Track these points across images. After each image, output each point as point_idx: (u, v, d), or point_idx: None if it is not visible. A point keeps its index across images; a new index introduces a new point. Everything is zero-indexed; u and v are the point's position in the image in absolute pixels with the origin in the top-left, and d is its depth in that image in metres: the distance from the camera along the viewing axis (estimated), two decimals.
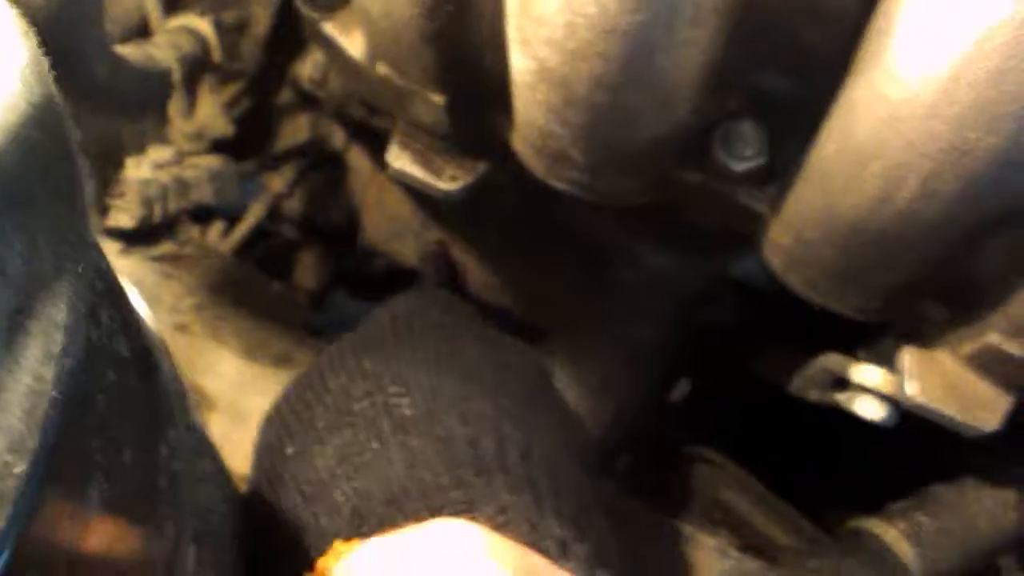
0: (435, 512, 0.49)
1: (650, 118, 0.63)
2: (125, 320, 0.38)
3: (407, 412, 0.57)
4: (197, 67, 0.90)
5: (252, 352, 1.06)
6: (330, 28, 0.74)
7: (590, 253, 1.03)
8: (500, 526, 0.48)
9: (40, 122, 0.28)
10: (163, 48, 0.81)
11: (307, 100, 1.54)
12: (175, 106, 1.37)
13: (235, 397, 1.04)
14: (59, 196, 0.28)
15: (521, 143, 0.71)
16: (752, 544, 1.20)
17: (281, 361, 1.07)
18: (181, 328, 1.08)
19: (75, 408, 0.28)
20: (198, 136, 1.39)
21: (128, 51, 0.77)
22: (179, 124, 1.38)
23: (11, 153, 0.27)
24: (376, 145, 1.33)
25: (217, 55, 0.94)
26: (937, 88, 0.48)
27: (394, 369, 0.62)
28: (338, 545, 0.51)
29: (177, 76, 0.82)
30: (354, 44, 0.73)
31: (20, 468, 0.24)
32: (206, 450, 0.50)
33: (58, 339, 0.26)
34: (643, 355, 1.16)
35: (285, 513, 0.56)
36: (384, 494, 0.52)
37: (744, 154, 0.64)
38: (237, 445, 1.05)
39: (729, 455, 1.32)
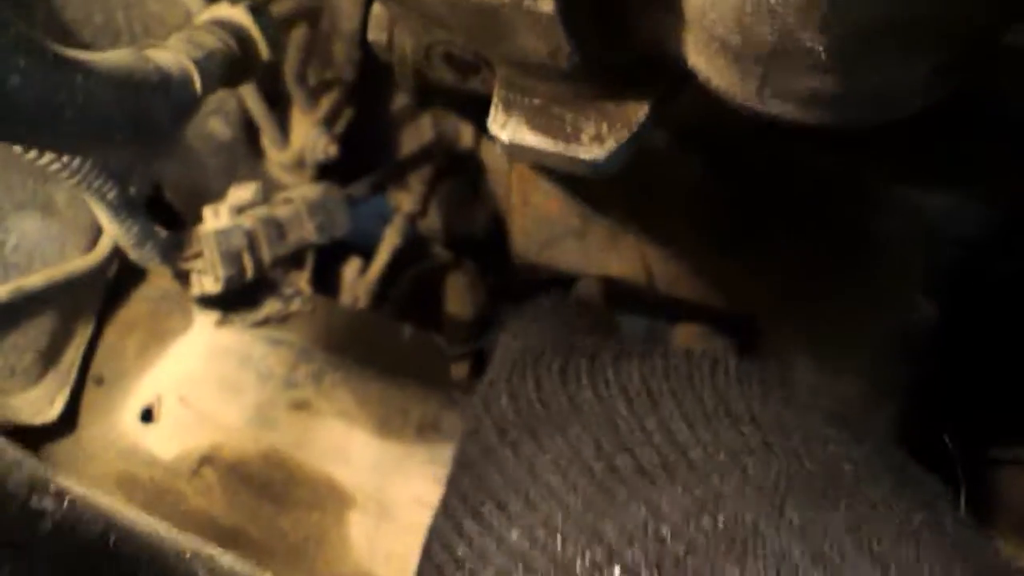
0: None
1: None
2: None
3: None
4: (236, 71, 0.67)
5: (388, 424, 0.82)
6: None
7: (822, 212, 0.71)
8: None
9: None
10: (173, 53, 0.58)
11: (425, 96, 1.30)
12: (266, 135, 1.17)
13: (376, 487, 0.80)
14: None
15: (703, 52, 0.41)
16: None
17: (426, 430, 0.81)
18: (300, 405, 0.85)
19: None
20: (298, 164, 1.19)
21: (120, 58, 0.55)
22: (274, 155, 1.18)
23: None
24: None
25: (264, 51, 0.70)
26: None
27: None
28: None
29: (196, 86, 0.59)
30: None
31: None
32: None
33: None
34: (916, 337, 0.82)
35: None
36: None
37: None
38: (387, 547, 0.81)
39: None
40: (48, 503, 0.30)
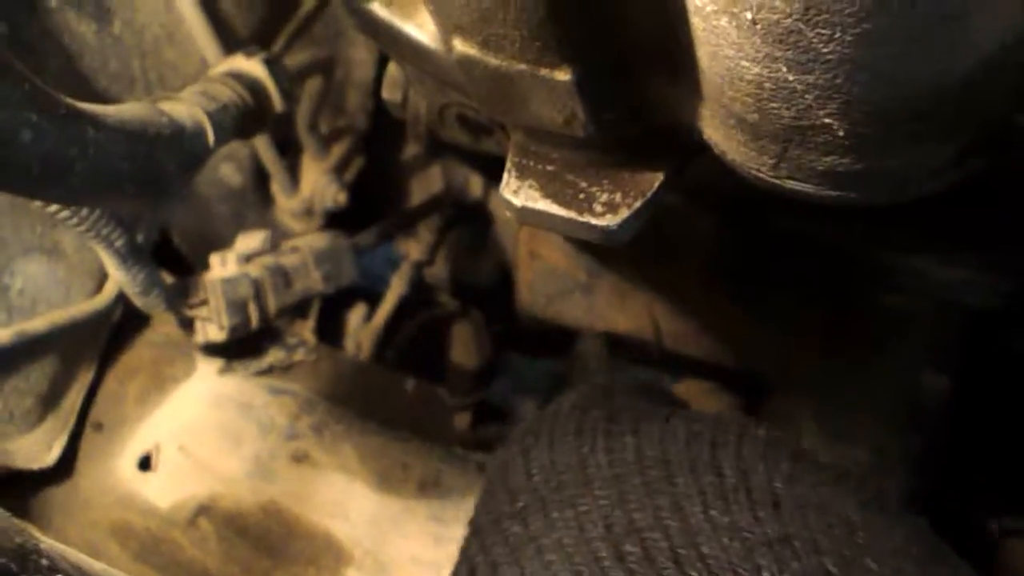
0: None
1: (975, 35, 0.31)
2: None
3: None
4: (249, 123, 0.67)
5: (388, 479, 0.80)
6: (384, 11, 0.47)
7: (834, 281, 0.70)
8: None
9: None
10: (187, 105, 0.59)
11: (435, 147, 1.30)
12: (276, 181, 1.17)
13: (374, 544, 0.78)
14: None
15: (720, 127, 0.41)
16: None
17: (426, 487, 0.80)
18: (300, 458, 0.84)
19: None
20: (307, 212, 1.19)
21: (133, 111, 0.55)
22: (283, 202, 1.18)
23: None
24: None
25: (278, 104, 0.70)
26: None
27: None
28: None
29: (209, 139, 0.59)
30: (419, 24, 0.46)
31: None
32: None
33: None
34: (926, 409, 0.81)
35: None
36: None
37: None
38: None
39: None
40: None
